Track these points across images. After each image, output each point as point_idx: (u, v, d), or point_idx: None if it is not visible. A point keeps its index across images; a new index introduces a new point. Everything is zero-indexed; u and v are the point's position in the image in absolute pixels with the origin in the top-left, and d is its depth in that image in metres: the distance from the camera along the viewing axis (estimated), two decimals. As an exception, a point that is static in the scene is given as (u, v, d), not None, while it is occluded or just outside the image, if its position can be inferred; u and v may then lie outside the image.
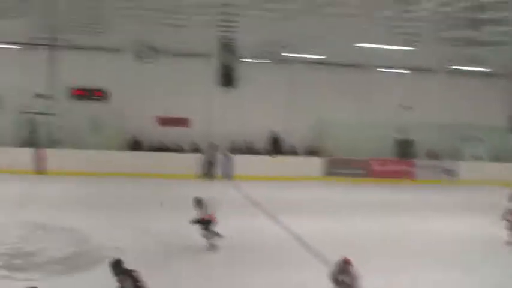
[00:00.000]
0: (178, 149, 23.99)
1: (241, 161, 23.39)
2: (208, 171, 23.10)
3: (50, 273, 10.59)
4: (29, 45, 22.70)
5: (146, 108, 24.28)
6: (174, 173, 22.32)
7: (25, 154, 21.92)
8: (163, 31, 16.95)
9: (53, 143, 22.85)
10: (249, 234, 14.20)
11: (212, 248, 12.47)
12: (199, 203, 12.49)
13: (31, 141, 22.79)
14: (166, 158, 23.12)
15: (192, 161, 23.22)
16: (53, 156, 22.01)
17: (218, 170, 23.22)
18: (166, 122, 24.67)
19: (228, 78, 24.64)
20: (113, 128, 23.40)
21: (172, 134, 24.41)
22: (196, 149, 24.00)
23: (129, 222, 15.03)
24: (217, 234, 12.45)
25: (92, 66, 23.46)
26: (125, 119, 23.90)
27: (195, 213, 12.49)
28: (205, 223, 12.39)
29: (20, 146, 22.58)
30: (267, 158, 24.03)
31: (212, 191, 20.73)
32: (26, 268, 10.76)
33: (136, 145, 23.80)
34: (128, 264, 8.13)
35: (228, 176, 23.11)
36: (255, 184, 21.96)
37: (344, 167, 24.69)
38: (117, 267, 8.00)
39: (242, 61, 24.55)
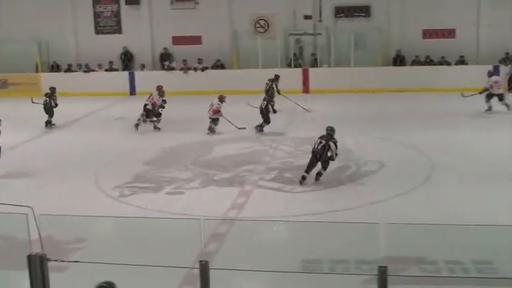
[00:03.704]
0: (443, 62, 23.12)
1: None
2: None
3: (315, 187, 11.46)
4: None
5: (410, 22, 23.68)
6: (439, 87, 21.53)
7: (292, 74, 22.99)
8: None
9: (318, 63, 23.80)
10: None
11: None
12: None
13: (298, 61, 24.01)
14: (431, 72, 22.47)
15: (456, 75, 22.08)
16: (317, 75, 22.95)
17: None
18: (430, 34, 23.85)
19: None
20: (376, 44, 23.41)
21: (437, 47, 23.47)
22: (461, 62, 22.94)
23: (391, 136, 15.27)
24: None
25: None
26: (388, 34, 23.71)
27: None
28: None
29: (287, 67, 23.84)
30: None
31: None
32: (295, 181, 11.76)
33: (399, 60, 23.54)
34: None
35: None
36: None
37: None
38: None
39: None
